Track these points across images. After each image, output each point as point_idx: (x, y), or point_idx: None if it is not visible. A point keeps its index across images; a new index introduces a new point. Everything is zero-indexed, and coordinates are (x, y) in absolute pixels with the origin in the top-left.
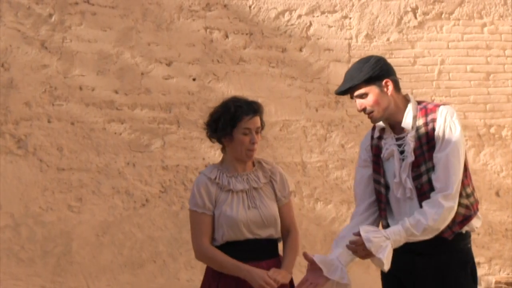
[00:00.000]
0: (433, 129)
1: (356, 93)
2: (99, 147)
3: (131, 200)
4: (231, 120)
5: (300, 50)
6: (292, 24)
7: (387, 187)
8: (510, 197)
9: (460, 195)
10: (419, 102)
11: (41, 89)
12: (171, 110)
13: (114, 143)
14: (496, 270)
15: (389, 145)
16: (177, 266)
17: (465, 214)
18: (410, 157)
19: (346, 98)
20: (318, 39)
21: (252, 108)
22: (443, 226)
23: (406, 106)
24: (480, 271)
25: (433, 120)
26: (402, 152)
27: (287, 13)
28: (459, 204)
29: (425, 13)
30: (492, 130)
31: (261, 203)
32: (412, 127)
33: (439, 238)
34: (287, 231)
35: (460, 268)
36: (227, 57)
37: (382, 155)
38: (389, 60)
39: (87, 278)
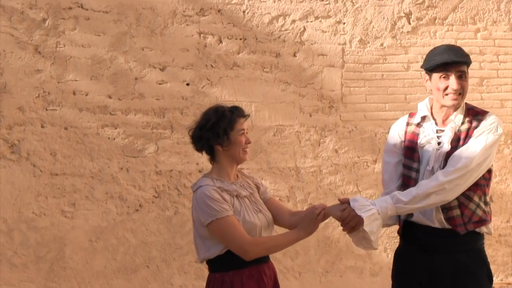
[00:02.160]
0: (475, 128)
1: (462, 69)
2: (92, 152)
3: (125, 205)
4: (229, 123)
5: (294, 55)
6: (286, 29)
7: (418, 173)
8: (503, 202)
9: (480, 199)
10: (466, 104)
11: (34, 94)
12: (165, 115)
13: (107, 148)
14: None
15: (427, 133)
16: (170, 272)
17: (481, 217)
18: (447, 146)
19: (340, 103)
20: (312, 44)
21: (242, 111)
22: (430, 198)
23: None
24: None
25: (479, 120)
26: (439, 144)
27: (281, 18)
28: (478, 206)
29: (418, 19)
30: None
31: (262, 207)
32: (460, 122)
33: (454, 234)
34: (290, 213)
35: (478, 267)
36: (221, 62)
37: (419, 141)
38: (382, 66)
39: (80, 283)
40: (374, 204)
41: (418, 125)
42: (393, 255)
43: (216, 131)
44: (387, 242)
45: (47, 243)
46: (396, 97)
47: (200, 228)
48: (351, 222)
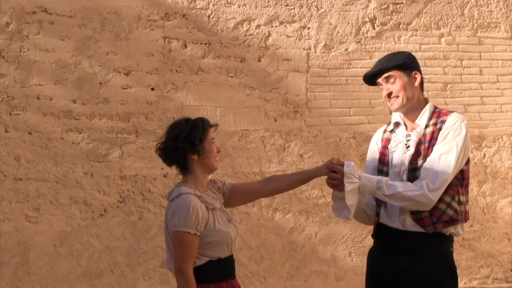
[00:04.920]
0: (440, 130)
1: (386, 75)
2: (56, 157)
3: (89, 210)
4: (203, 132)
5: (259, 60)
6: (250, 34)
7: (388, 176)
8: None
9: (453, 198)
10: (435, 107)
11: None
12: (130, 120)
13: (72, 152)
14: None
15: (398, 138)
16: (135, 277)
17: (452, 216)
18: (412, 150)
19: (305, 108)
20: (276, 49)
21: (209, 121)
22: (408, 204)
23: (424, 106)
24: None
25: (443, 122)
26: (408, 147)
27: (245, 23)
28: (449, 206)
29: (383, 24)
30: None
31: (231, 216)
32: (425, 126)
33: (422, 236)
34: (261, 181)
35: (443, 271)
36: (185, 67)
37: (389, 146)
38: (347, 71)
39: None
40: (360, 179)
41: (392, 131)
42: (356, 259)
43: (191, 140)
44: (352, 246)
45: (11, 248)
46: (360, 102)
47: None
48: (335, 182)
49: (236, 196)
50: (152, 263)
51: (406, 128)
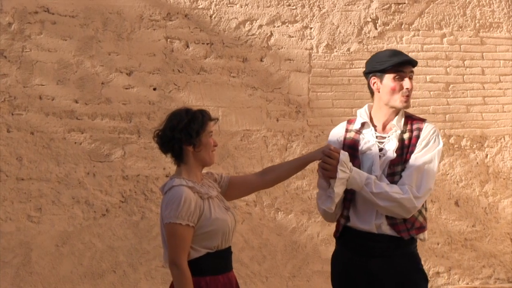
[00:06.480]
0: (418, 136)
1: (412, 70)
2: (59, 157)
3: (91, 210)
4: (202, 125)
5: (261, 60)
6: (252, 34)
7: None
8: (469, 206)
9: (423, 206)
10: (404, 112)
11: (0, 99)
12: (132, 120)
13: (74, 152)
14: (456, 279)
15: (368, 139)
16: (137, 276)
17: (422, 224)
18: (391, 155)
19: (307, 108)
20: (278, 49)
21: (210, 114)
22: (393, 205)
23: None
24: (439, 281)
25: (419, 129)
26: (380, 150)
27: (247, 23)
28: (420, 213)
29: (385, 24)
30: (452, 140)
31: (229, 205)
32: (401, 130)
33: (395, 240)
34: (258, 173)
35: (414, 270)
36: (187, 67)
37: (360, 148)
38: (349, 71)
39: None
40: (351, 171)
41: (358, 131)
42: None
43: (188, 132)
44: None
45: (13, 248)
46: (362, 102)
47: None
48: (328, 167)
49: (234, 189)
50: (154, 263)
51: (376, 130)
